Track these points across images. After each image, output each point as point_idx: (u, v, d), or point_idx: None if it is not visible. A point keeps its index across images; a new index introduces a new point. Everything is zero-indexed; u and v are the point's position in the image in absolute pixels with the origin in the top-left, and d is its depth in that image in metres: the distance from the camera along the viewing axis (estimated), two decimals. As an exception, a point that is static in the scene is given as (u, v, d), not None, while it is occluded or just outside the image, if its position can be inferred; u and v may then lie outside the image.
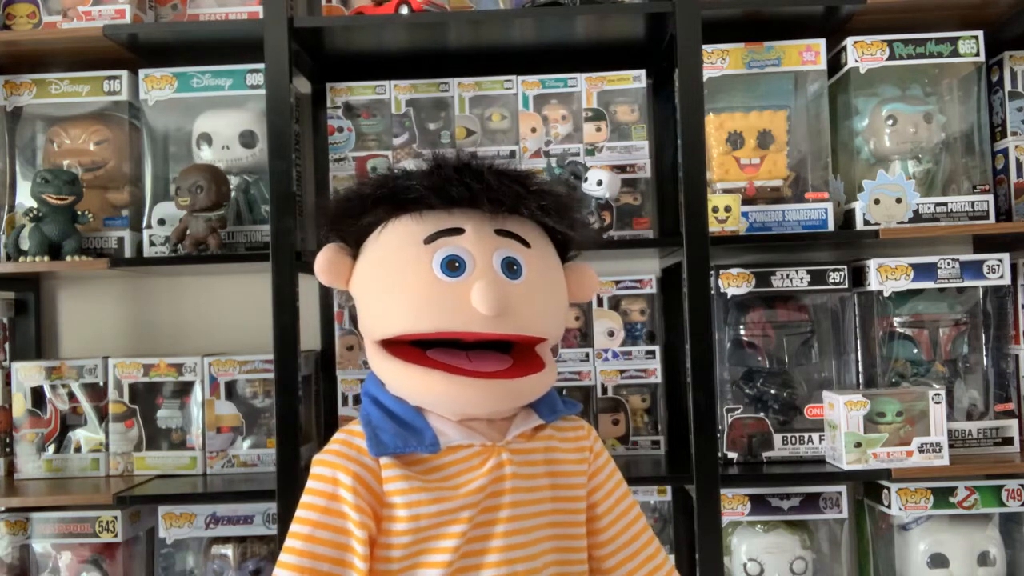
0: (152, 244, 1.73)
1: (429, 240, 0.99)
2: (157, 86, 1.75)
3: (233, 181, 1.75)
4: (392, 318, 0.98)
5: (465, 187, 0.98)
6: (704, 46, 1.61)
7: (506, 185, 1.00)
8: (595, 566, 1.07)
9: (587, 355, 1.77)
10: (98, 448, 1.76)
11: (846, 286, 1.69)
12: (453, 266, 0.97)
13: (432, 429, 0.98)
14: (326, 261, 1.04)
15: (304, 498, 0.97)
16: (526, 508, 0.99)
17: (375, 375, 1.05)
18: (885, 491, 1.66)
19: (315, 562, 0.93)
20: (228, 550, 1.71)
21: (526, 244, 1.02)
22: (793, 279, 1.68)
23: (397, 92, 1.79)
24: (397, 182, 1.02)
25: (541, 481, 1.02)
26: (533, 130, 1.78)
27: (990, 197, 1.68)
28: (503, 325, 0.96)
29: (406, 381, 0.99)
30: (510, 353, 1.02)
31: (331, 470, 0.97)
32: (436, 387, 0.96)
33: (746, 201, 1.69)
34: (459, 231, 0.99)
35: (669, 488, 1.76)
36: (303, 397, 1.65)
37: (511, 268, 0.99)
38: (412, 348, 0.99)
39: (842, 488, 1.68)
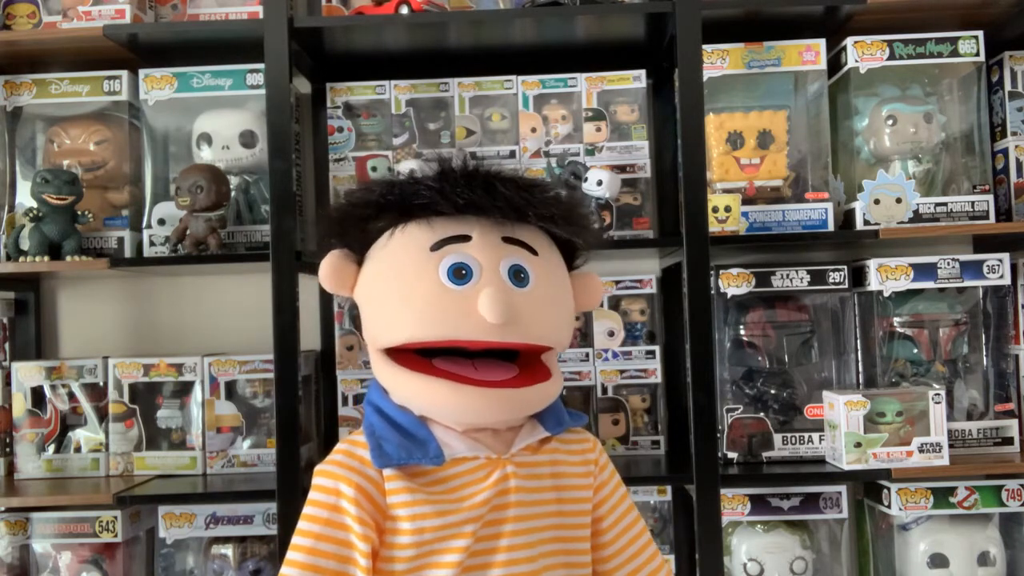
0: (152, 244, 1.73)
1: (435, 247, 0.98)
2: (157, 86, 1.75)
3: (233, 181, 1.75)
4: (398, 326, 0.97)
5: (473, 195, 0.97)
6: (704, 46, 1.61)
7: (514, 193, 0.99)
8: None
9: (587, 355, 1.77)
10: (98, 448, 1.76)
11: (846, 286, 1.69)
12: (460, 274, 0.96)
13: (436, 440, 0.97)
14: (331, 268, 1.03)
15: (306, 509, 0.96)
16: (530, 522, 0.98)
17: (378, 384, 1.04)
18: (885, 491, 1.66)
19: (318, 575, 0.93)
20: (228, 550, 1.71)
21: (533, 252, 1.01)
22: (793, 279, 1.68)
23: (397, 92, 1.79)
24: (404, 188, 1.00)
25: (547, 495, 1.01)
26: (533, 130, 1.78)
27: (990, 197, 1.68)
28: (510, 334, 0.95)
29: (411, 390, 0.98)
30: (516, 362, 1.01)
31: (333, 481, 0.96)
32: (441, 396, 0.95)
33: (746, 201, 1.69)
34: (466, 238, 0.98)
35: (669, 488, 1.76)
36: (303, 397, 1.65)
37: (518, 276, 0.98)
38: (417, 357, 0.98)
39: (842, 488, 1.68)
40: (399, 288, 0.98)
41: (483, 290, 0.94)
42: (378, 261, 1.02)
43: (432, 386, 0.95)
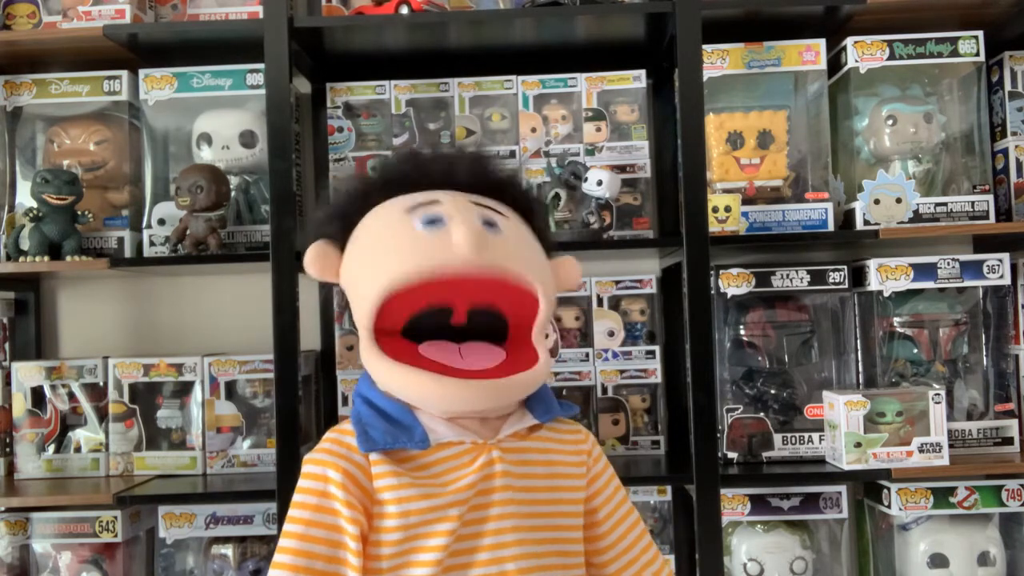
0: (152, 244, 1.73)
1: (410, 210, 1.02)
2: (157, 86, 1.75)
3: (233, 181, 1.75)
4: (378, 276, 0.99)
5: (441, 166, 1.07)
6: (704, 46, 1.61)
7: (476, 165, 1.09)
8: (595, 572, 1.07)
9: (587, 355, 1.77)
10: (98, 448, 1.76)
11: (846, 286, 1.69)
12: (433, 224, 1.00)
13: (422, 426, 0.99)
14: (315, 254, 1.06)
15: (296, 497, 0.97)
16: (518, 507, 0.99)
17: (367, 376, 1.05)
18: (885, 491, 1.66)
19: (310, 561, 0.93)
20: (228, 550, 1.71)
21: (502, 215, 1.05)
22: (793, 279, 1.68)
23: (397, 92, 1.79)
24: (383, 171, 1.10)
25: (537, 482, 1.02)
26: (533, 130, 1.78)
27: (990, 197, 1.68)
28: (487, 260, 0.97)
29: (397, 381, 0.99)
30: (504, 345, 1.02)
31: (321, 468, 0.97)
32: (425, 388, 0.97)
33: (746, 201, 1.69)
34: (438, 202, 1.03)
35: (669, 488, 1.76)
36: (303, 397, 1.66)
37: (490, 224, 1.02)
38: (404, 342, 1.00)
39: (842, 488, 1.68)
40: (376, 245, 1.02)
41: (455, 227, 0.98)
42: (357, 238, 1.06)
43: (416, 378, 0.97)
